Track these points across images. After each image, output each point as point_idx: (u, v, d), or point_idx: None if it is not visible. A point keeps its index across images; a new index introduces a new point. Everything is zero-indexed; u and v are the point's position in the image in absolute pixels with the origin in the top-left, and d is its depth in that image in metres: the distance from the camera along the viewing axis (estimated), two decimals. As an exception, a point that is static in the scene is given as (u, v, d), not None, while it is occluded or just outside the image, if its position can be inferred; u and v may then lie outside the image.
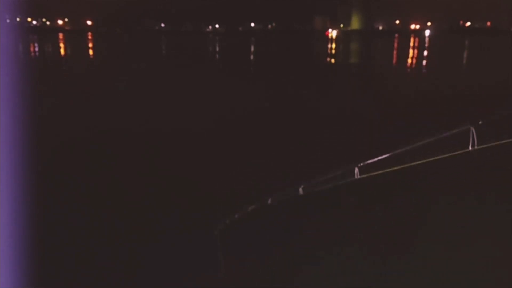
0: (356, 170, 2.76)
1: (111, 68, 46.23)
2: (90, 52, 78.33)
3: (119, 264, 7.06)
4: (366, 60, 64.35)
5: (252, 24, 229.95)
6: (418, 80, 35.86)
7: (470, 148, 2.14)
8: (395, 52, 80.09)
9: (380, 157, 2.65)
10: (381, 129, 15.91)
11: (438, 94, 26.67)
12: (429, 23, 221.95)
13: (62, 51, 76.70)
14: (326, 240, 2.71)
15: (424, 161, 2.30)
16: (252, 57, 69.50)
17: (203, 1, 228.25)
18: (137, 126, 17.65)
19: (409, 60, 58.75)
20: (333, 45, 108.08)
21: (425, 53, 75.07)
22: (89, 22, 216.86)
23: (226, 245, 4.74)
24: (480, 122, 2.16)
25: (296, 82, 32.25)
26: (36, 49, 78.64)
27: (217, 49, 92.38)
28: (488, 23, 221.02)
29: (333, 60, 62.94)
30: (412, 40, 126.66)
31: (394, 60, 62.16)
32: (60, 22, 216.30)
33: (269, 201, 3.83)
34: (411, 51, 79.17)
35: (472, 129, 2.14)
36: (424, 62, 57.53)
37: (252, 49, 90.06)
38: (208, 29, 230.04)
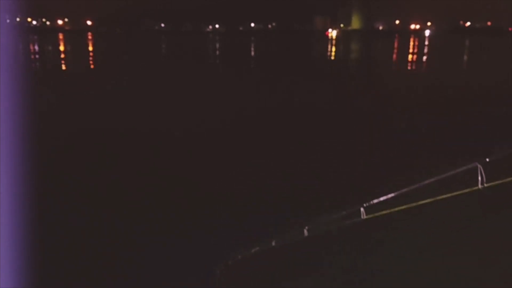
0: (362, 210, 2.70)
1: (111, 68, 46.20)
2: (90, 52, 78.32)
3: (119, 264, 7.06)
4: (367, 61, 64.29)
5: (252, 24, 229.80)
6: (419, 81, 35.83)
7: (479, 186, 2.09)
8: (395, 52, 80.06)
9: (386, 196, 2.58)
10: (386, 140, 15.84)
11: (440, 95, 26.65)
12: (429, 23, 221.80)
13: (62, 51, 76.69)
14: (331, 285, 2.67)
15: (432, 199, 2.24)
16: (252, 57, 69.47)
17: (203, 1, 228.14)
18: (136, 126, 17.63)
19: (411, 61, 58.72)
20: (333, 46, 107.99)
21: (425, 53, 75.02)
22: (89, 22, 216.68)
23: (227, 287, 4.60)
24: (487, 160, 2.12)
25: (295, 84, 32.21)
26: (36, 49, 78.61)
27: (217, 49, 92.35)
28: (488, 23, 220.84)
29: (333, 60, 62.95)
30: (412, 40, 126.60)
31: (395, 61, 62.12)
32: (60, 22, 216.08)
33: (273, 243, 3.77)
34: (412, 51, 79.13)
35: (480, 167, 2.09)
36: (425, 62, 57.49)
37: (252, 49, 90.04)
38: (208, 29, 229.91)
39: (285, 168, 12.03)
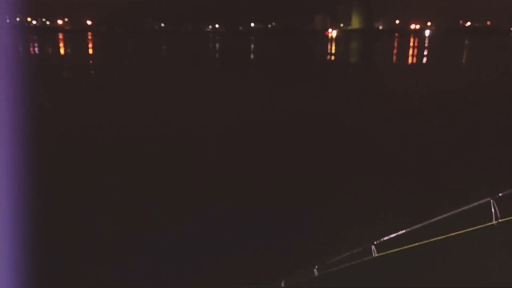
0: (373, 248, 2.66)
1: (111, 68, 46.18)
2: (90, 52, 78.31)
3: (120, 264, 7.05)
4: (369, 63, 64.24)
5: (252, 24, 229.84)
6: (420, 82, 35.80)
7: (494, 221, 2.07)
8: (396, 52, 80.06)
9: (397, 233, 2.54)
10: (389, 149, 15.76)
11: (441, 94, 26.64)
12: (429, 23, 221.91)
13: (62, 51, 76.67)
14: None
15: (445, 236, 2.21)
16: (253, 58, 69.45)
17: (203, 1, 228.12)
18: (136, 126, 17.63)
19: (412, 61, 58.70)
20: (333, 46, 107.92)
21: (425, 53, 75.02)
22: (89, 22, 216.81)
23: None
24: (500, 194, 2.10)
25: (297, 86, 32.19)
26: (36, 49, 78.58)
27: (217, 48, 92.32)
28: (488, 23, 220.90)
29: (333, 59, 62.92)
30: (412, 40, 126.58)
31: (396, 61, 62.10)
32: (60, 22, 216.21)
33: (282, 284, 3.68)
34: (412, 51, 79.12)
35: (493, 202, 2.07)
36: (425, 62, 57.49)
37: (253, 49, 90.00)
38: (208, 29, 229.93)
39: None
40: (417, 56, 66.42)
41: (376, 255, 2.71)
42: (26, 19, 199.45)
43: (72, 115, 19.91)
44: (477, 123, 17.89)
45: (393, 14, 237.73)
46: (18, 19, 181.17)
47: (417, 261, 2.36)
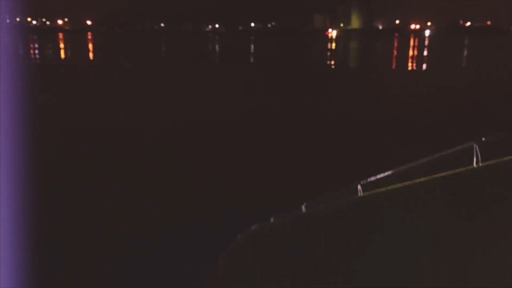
0: (359, 187, 2.74)
1: (111, 68, 46.13)
2: (90, 52, 78.25)
3: (120, 263, 7.05)
4: (368, 61, 64.18)
5: (252, 24, 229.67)
6: (420, 80, 35.79)
7: (474, 165, 2.11)
8: (395, 52, 79.99)
9: (383, 174, 2.62)
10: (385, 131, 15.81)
11: (442, 94, 26.62)
12: (429, 23, 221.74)
13: (62, 51, 76.63)
14: (329, 261, 2.69)
15: (428, 178, 2.26)
16: (254, 58, 69.38)
17: (203, 1, 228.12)
18: (136, 125, 17.63)
19: (412, 60, 58.67)
20: (333, 46, 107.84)
21: (426, 53, 74.96)
22: (89, 22, 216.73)
23: (229, 271, 4.62)
24: (483, 139, 2.15)
25: (300, 85, 32.18)
26: (36, 49, 78.52)
27: (217, 48, 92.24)
28: (488, 23, 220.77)
29: (333, 59, 62.89)
30: (412, 39, 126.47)
31: (396, 61, 62.06)
32: (60, 22, 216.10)
33: (271, 220, 3.84)
34: (412, 51, 79.06)
35: (476, 146, 2.12)
36: (426, 62, 57.44)
37: (253, 50, 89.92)
38: (208, 29, 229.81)
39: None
40: (417, 56, 66.34)
41: (362, 194, 2.74)
42: (26, 19, 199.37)
43: (72, 115, 19.90)
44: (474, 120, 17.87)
45: (393, 14, 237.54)
46: (18, 19, 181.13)
47: (400, 201, 2.43)
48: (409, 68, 48.73)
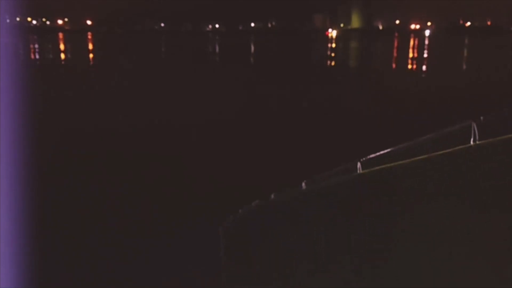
0: (359, 165, 2.80)
1: (111, 68, 46.16)
2: (90, 52, 78.27)
3: (120, 263, 7.06)
4: (368, 61, 64.22)
5: (252, 24, 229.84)
6: (420, 80, 35.81)
7: (471, 143, 2.16)
8: (395, 52, 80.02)
9: (382, 152, 2.68)
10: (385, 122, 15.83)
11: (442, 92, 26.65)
12: (429, 23, 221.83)
13: (62, 51, 76.64)
14: (330, 237, 2.77)
15: (426, 156, 2.32)
16: (252, 57, 69.41)
17: (203, 1, 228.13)
18: (136, 125, 17.64)
19: (412, 60, 58.69)
20: (333, 46, 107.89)
21: (426, 52, 75.01)
22: (89, 22, 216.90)
23: (230, 243, 4.75)
24: (481, 118, 2.19)
25: (300, 85, 32.20)
26: (36, 49, 78.56)
27: (217, 48, 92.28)
28: (488, 22, 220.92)
29: (333, 59, 62.96)
30: (412, 39, 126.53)
31: (395, 60, 62.08)
32: (60, 22, 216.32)
33: (272, 196, 3.88)
34: (412, 50, 79.11)
35: (474, 125, 2.16)
36: (426, 62, 57.48)
37: (253, 50, 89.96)
38: (208, 29, 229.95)
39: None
40: (417, 55, 66.36)
41: (361, 171, 2.74)
42: (26, 19, 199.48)
43: (72, 115, 19.92)
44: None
45: (393, 14, 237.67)
46: (18, 19, 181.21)
47: (399, 179, 2.48)
48: (409, 68, 48.72)
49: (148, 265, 6.93)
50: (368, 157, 2.79)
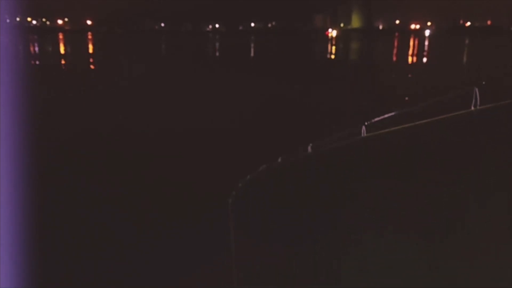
0: (363, 128, 2.84)
1: (111, 68, 46.19)
2: (90, 52, 78.32)
3: (120, 263, 7.05)
4: (368, 61, 64.28)
5: (252, 24, 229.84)
6: (421, 80, 35.84)
7: (472, 107, 2.19)
8: (395, 51, 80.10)
9: (386, 115, 2.74)
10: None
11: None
12: (429, 23, 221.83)
13: (62, 51, 76.69)
14: (336, 203, 2.84)
15: (429, 120, 2.35)
16: (255, 59, 69.47)
17: (203, 1, 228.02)
18: (136, 125, 17.65)
19: (412, 60, 58.73)
20: (333, 46, 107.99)
21: (426, 52, 75.07)
22: (89, 22, 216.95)
23: (238, 214, 4.72)
24: (483, 83, 2.23)
25: (300, 84, 32.24)
26: (36, 49, 78.62)
27: (217, 48, 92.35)
28: (488, 22, 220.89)
29: (334, 58, 63.02)
30: (412, 39, 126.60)
31: (395, 60, 62.15)
32: (60, 22, 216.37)
33: (279, 160, 3.94)
34: (412, 50, 79.17)
35: (476, 90, 2.19)
36: (426, 62, 57.53)
37: (254, 50, 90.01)
38: (208, 29, 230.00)
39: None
40: (417, 55, 66.41)
41: (365, 135, 2.72)
42: (26, 19, 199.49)
43: (72, 115, 19.94)
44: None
45: (393, 14, 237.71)
46: (18, 19, 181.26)
47: (402, 142, 2.54)
48: (409, 67, 48.74)
49: (148, 265, 6.93)
50: (373, 120, 2.83)
